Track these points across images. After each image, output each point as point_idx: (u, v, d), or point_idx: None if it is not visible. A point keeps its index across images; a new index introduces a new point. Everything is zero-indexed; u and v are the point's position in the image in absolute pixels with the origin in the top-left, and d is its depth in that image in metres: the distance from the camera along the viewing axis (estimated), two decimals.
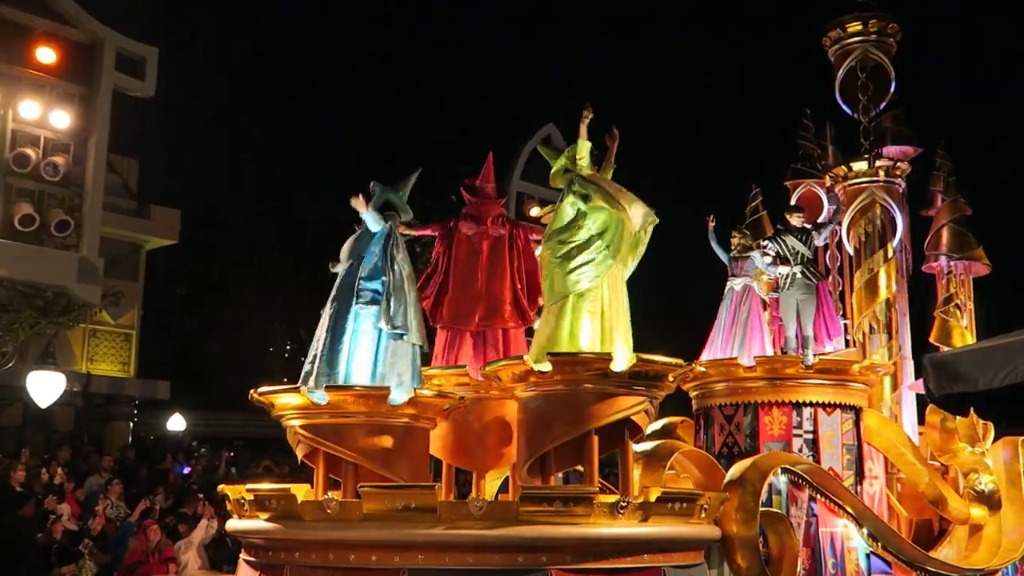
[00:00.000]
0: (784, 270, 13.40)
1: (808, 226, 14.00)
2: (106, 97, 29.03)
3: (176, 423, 33.66)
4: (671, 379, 10.11)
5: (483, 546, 8.81)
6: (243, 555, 10.05)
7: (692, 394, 13.53)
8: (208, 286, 39.39)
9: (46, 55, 28.46)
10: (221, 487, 10.32)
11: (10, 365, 25.79)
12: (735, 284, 14.06)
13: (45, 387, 25.73)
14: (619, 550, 9.15)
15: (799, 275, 13.48)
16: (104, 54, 29.12)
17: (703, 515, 9.82)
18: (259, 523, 9.53)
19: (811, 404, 12.85)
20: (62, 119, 27.33)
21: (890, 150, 15.19)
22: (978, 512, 13.45)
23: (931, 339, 15.02)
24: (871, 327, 14.59)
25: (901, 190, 15.10)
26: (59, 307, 27.33)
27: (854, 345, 14.62)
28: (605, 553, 9.09)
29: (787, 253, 13.51)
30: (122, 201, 32.24)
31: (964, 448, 13.68)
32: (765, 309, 14.24)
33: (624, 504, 9.11)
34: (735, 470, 11.06)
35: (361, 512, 8.93)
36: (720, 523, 10.57)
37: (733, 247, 14.11)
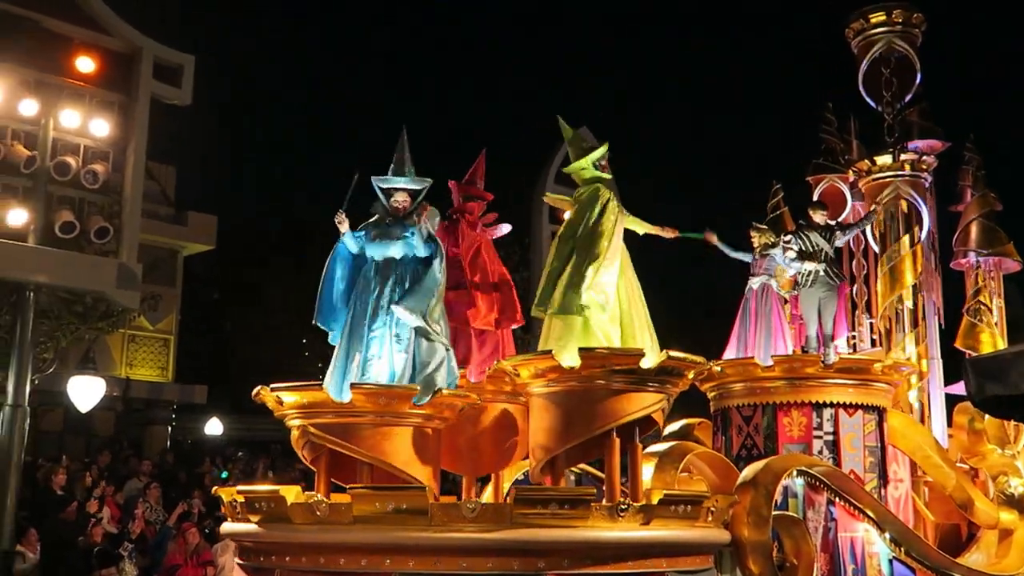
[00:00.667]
0: (811, 266, 12.85)
1: (832, 223, 13.44)
2: (144, 105, 28.95)
3: (213, 427, 33.43)
4: (690, 376, 9.85)
5: (476, 550, 8.43)
6: (237, 559, 9.65)
7: (710, 395, 13.01)
8: (245, 291, 39.11)
9: (86, 64, 28.36)
10: (215, 489, 9.92)
11: (51, 371, 25.70)
12: (753, 283, 13.49)
13: (85, 392, 25.78)
14: (619, 554, 8.72)
15: (822, 273, 12.92)
16: (142, 63, 29.12)
17: (710, 518, 9.34)
18: (250, 526, 9.13)
19: (831, 405, 12.29)
20: (101, 127, 27.25)
21: (916, 145, 14.56)
22: (1008, 516, 12.85)
23: (957, 343, 14.38)
24: (894, 325, 13.93)
25: (927, 184, 14.48)
26: (99, 313, 27.30)
27: (880, 344, 14.01)
28: (605, 557, 8.67)
29: (811, 249, 12.96)
30: (160, 208, 32.21)
31: (993, 450, 13.09)
32: (784, 304, 13.64)
33: (625, 506, 8.65)
34: (747, 472, 10.56)
35: (351, 514, 8.51)
36: (731, 527, 10.09)
37: (756, 245, 13.52)
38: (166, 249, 32.52)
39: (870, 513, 11.37)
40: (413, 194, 10.03)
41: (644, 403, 9.36)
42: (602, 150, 10.66)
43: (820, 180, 14.44)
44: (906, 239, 14.06)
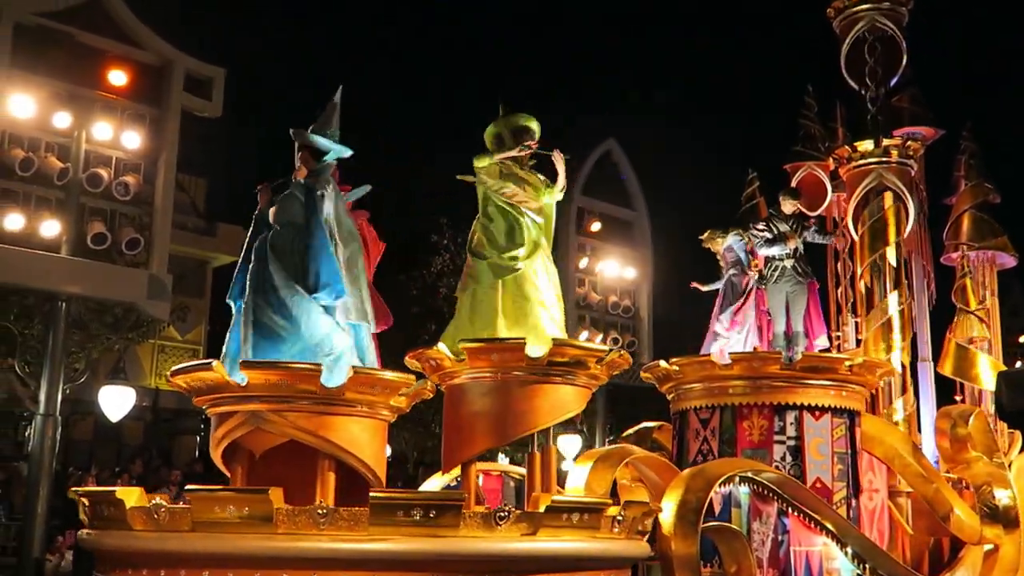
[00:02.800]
0: (777, 250, 11.43)
1: (808, 213, 11.99)
2: (175, 118, 28.64)
3: None
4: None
5: (328, 562, 7.02)
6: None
7: (668, 396, 11.54)
8: None
9: (118, 77, 28.05)
10: (71, 491, 8.63)
11: (82, 380, 25.31)
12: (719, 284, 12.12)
13: (116, 402, 26.06)
14: (497, 568, 7.27)
15: (788, 267, 11.48)
16: (173, 75, 28.89)
17: (616, 528, 7.88)
18: (93, 532, 7.87)
19: (795, 407, 10.75)
20: (133, 140, 27.00)
21: (910, 132, 12.98)
22: (991, 531, 11.22)
23: (943, 369, 12.79)
24: (879, 325, 12.33)
25: (913, 173, 12.85)
26: (129, 323, 27.25)
27: (859, 346, 12.45)
28: (479, 571, 7.22)
29: (781, 239, 11.56)
30: (190, 219, 31.86)
31: (979, 459, 11.45)
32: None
33: (504, 514, 7.23)
34: (677, 479, 9.10)
35: (190, 520, 7.19)
36: (657, 539, 8.64)
37: (714, 250, 12.17)
38: (196, 260, 32.26)
39: (829, 526, 9.87)
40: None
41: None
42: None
43: (798, 168, 12.86)
44: (891, 244, 12.44)
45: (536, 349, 8.60)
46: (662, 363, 11.26)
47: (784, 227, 11.63)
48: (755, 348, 11.73)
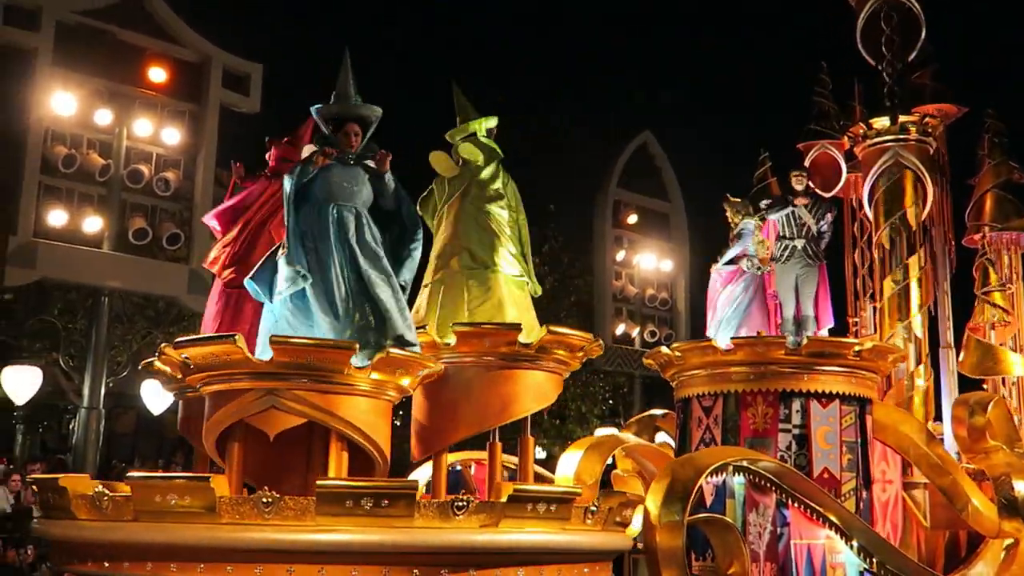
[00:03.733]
0: (778, 215, 10.84)
1: (824, 195, 11.32)
2: (214, 114, 29.09)
3: None
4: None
5: (273, 553, 6.48)
6: None
7: (673, 384, 10.88)
8: None
9: (158, 75, 28.53)
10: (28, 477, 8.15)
11: (124, 374, 25.42)
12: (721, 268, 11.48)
13: (158, 395, 25.92)
14: (452, 562, 6.74)
15: (799, 248, 10.83)
16: (211, 72, 29.02)
17: (590, 520, 7.29)
18: (41, 522, 7.40)
19: (801, 394, 10.06)
20: (173, 136, 27.52)
21: (928, 110, 12.21)
22: (1010, 524, 10.44)
23: (963, 369, 12.06)
24: (895, 312, 11.58)
25: (932, 150, 12.07)
26: (170, 317, 27.60)
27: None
28: (435, 564, 6.65)
29: (793, 223, 10.91)
30: None
31: (999, 448, 10.68)
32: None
33: (462, 504, 6.66)
34: (664, 468, 8.50)
35: (132, 510, 6.71)
36: (643, 531, 8.06)
37: (732, 222, 11.47)
38: None
39: (833, 518, 9.21)
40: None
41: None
42: (493, 120, 9.31)
43: (811, 147, 12.13)
44: (911, 213, 11.64)
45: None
46: (663, 349, 10.65)
47: (800, 210, 11.06)
48: (759, 332, 11.06)
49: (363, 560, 6.53)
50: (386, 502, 6.55)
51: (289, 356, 7.11)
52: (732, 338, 10.33)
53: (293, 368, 7.15)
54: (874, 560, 9.34)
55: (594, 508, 7.34)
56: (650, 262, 30.34)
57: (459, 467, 10.35)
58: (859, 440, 10.24)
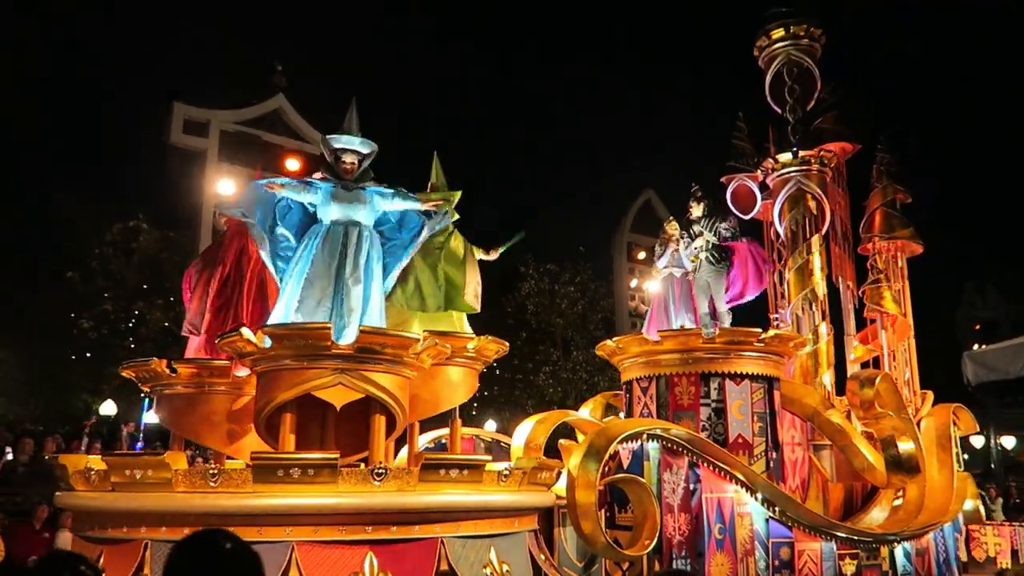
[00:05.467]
0: (699, 243, 9.73)
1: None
2: None
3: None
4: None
5: (218, 516, 5.54)
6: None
7: (619, 368, 9.70)
8: None
9: (293, 164, 28.56)
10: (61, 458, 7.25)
11: None
12: (663, 275, 10.31)
13: None
14: (377, 520, 5.66)
15: (703, 258, 9.72)
16: None
17: (503, 482, 6.20)
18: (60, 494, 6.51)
19: (719, 375, 8.82)
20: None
21: (829, 147, 10.91)
22: (896, 477, 9.07)
23: (865, 313, 10.70)
24: (808, 310, 10.26)
25: (828, 177, 10.74)
26: None
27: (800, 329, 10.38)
28: (360, 522, 5.63)
29: (693, 237, 9.83)
30: None
31: (886, 414, 9.29)
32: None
33: (381, 471, 5.63)
34: (585, 437, 7.34)
35: (111, 482, 5.81)
36: (566, 488, 6.93)
37: (669, 236, 10.30)
38: None
39: (739, 475, 7.96)
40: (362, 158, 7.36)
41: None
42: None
43: (731, 179, 10.91)
44: (811, 239, 10.39)
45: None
46: (608, 342, 9.49)
47: (698, 227, 9.89)
48: (682, 326, 9.83)
49: (294, 522, 5.52)
50: (312, 471, 5.54)
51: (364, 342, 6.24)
52: (659, 331, 9.13)
53: (365, 353, 6.27)
54: (775, 508, 8.09)
55: (507, 472, 6.24)
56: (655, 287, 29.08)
57: (444, 441, 9.26)
58: (767, 411, 8.95)
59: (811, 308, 10.30)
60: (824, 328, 10.21)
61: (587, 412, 10.08)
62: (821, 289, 10.42)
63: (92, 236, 24.74)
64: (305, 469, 5.53)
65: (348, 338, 6.35)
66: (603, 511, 7.53)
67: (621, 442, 7.29)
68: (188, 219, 28.59)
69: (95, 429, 16.61)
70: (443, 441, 9.28)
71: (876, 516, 9.20)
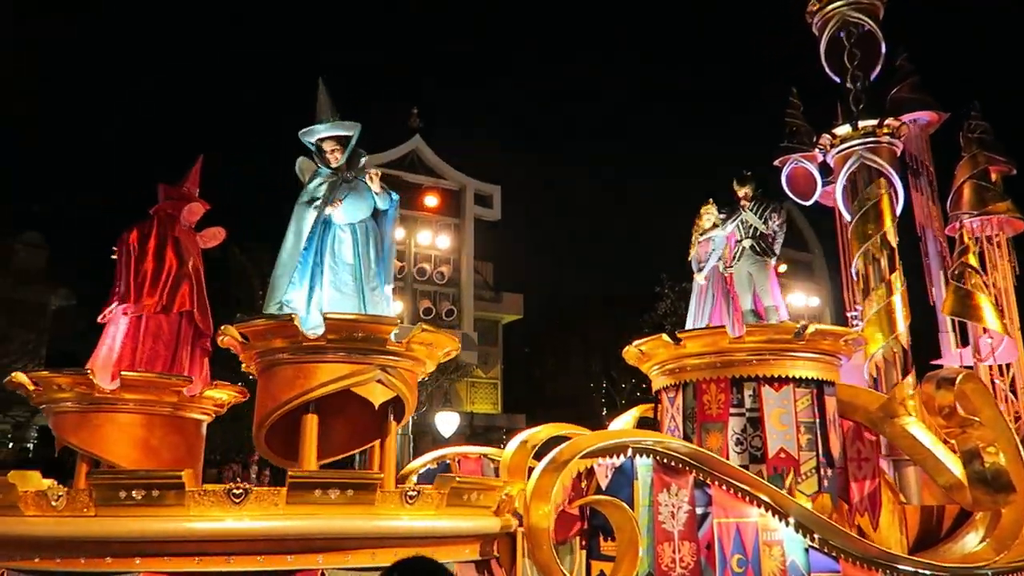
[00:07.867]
0: (722, 230, 8.10)
1: (771, 203, 8.41)
2: (470, 224, 29.38)
3: None
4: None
5: (62, 544, 4.66)
6: None
7: (650, 376, 8.14)
8: (548, 346, 36.89)
9: (431, 200, 29.11)
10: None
11: (423, 409, 25.30)
12: (699, 279, 8.62)
13: (447, 423, 26.12)
14: (236, 549, 4.59)
15: (747, 247, 8.01)
16: (466, 195, 29.18)
17: (409, 504, 4.99)
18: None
19: (753, 379, 7.13)
20: (444, 242, 27.97)
21: (915, 117, 8.96)
22: (984, 496, 6.98)
23: (944, 311, 8.54)
24: (872, 303, 8.28)
25: (899, 151, 8.73)
26: (451, 368, 27.20)
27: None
28: (218, 551, 4.58)
29: (742, 226, 8.11)
30: (484, 292, 31.51)
31: (973, 421, 7.26)
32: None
33: (239, 493, 4.59)
34: (548, 455, 5.93)
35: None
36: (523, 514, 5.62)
37: (704, 225, 8.66)
38: (490, 320, 31.60)
39: (763, 497, 6.28)
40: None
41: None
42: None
43: (786, 161, 9.12)
44: (886, 206, 8.37)
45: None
46: (632, 347, 7.98)
47: (747, 214, 8.21)
48: (708, 324, 8.17)
49: (140, 551, 4.53)
50: (155, 492, 4.55)
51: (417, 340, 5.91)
52: (679, 332, 7.52)
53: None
54: (815, 536, 6.32)
55: (413, 493, 5.00)
56: (798, 300, 26.57)
57: (447, 461, 8.07)
58: (818, 420, 7.15)
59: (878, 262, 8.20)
60: (898, 280, 8.09)
61: (619, 425, 8.54)
62: (892, 236, 8.27)
63: None
64: (149, 490, 4.55)
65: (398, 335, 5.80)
66: (581, 539, 6.09)
67: (587, 456, 5.84)
68: None
69: None
70: (446, 461, 8.12)
71: (969, 542, 7.14)
